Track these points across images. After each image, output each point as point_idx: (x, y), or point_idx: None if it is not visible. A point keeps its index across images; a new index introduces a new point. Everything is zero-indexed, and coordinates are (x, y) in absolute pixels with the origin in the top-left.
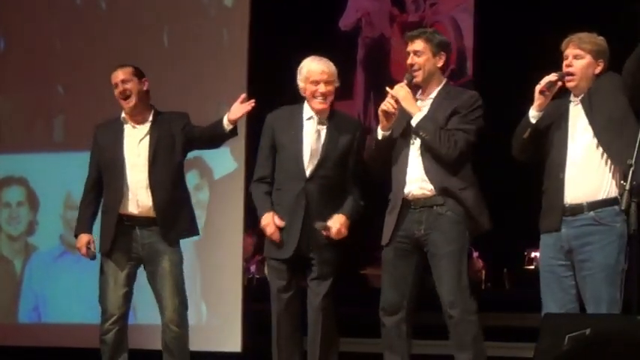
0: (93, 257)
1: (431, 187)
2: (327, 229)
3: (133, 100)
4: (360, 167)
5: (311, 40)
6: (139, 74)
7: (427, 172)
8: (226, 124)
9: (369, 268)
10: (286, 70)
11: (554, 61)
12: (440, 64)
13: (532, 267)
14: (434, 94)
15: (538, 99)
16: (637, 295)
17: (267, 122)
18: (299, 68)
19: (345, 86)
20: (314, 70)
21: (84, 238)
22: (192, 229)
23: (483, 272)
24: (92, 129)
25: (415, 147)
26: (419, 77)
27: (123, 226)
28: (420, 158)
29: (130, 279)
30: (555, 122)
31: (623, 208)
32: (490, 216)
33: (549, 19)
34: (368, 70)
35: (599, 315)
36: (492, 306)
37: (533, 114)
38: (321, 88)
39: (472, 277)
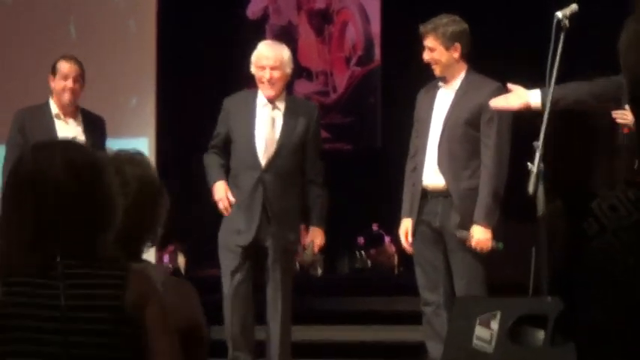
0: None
1: (444, 180)
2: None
3: (74, 99)
4: (319, 151)
5: (219, 28)
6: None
7: (440, 164)
8: None
9: None
10: (195, 59)
11: None
12: (455, 55)
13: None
14: (457, 85)
15: None
16: (547, 278)
17: (224, 107)
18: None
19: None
20: (259, 55)
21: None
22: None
23: (396, 257)
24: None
25: (434, 138)
26: (437, 71)
27: None
28: (436, 150)
29: None
30: None
31: (530, 192)
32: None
33: (455, 4)
34: None
35: (510, 298)
36: (406, 290)
37: None
38: (267, 74)
39: (385, 262)
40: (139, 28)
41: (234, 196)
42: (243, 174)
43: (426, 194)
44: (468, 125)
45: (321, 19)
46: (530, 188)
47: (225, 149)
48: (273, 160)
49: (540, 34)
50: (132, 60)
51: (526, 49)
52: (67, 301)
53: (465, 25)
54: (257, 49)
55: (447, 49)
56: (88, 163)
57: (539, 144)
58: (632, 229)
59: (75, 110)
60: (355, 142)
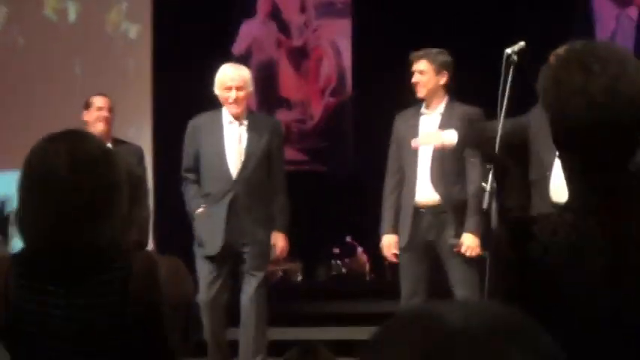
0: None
1: (437, 195)
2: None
3: (108, 127)
4: (283, 162)
5: (208, 64)
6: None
7: (433, 181)
8: None
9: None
10: (187, 92)
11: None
12: (442, 81)
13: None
14: (440, 109)
15: None
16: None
17: (189, 128)
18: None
19: None
20: (224, 77)
21: None
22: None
23: (367, 265)
24: (15, 150)
25: (424, 157)
26: (421, 93)
27: None
28: (428, 168)
29: None
30: None
31: (484, 207)
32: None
33: (417, 41)
34: (259, 90)
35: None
36: (376, 293)
37: None
38: (233, 94)
39: (358, 269)
40: (137, 67)
41: (205, 205)
42: (215, 186)
43: (418, 211)
44: (459, 146)
45: (299, 56)
46: (485, 204)
47: (197, 168)
48: (242, 172)
49: (494, 69)
50: (130, 94)
51: (480, 84)
52: (70, 312)
53: (451, 59)
54: (221, 71)
55: (436, 74)
56: (92, 155)
57: (491, 166)
58: (571, 248)
59: (107, 139)
60: (329, 164)
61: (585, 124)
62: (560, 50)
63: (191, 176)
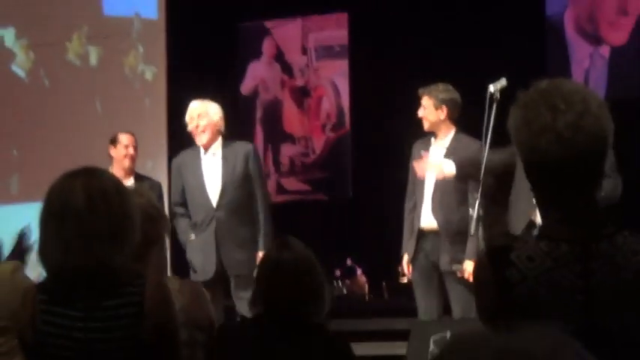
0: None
1: (439, 221)
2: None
3: (133, 164)
4: (263, 183)
5: (219, 103)
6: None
7: (433, 209)
8: None
9: None
10: None
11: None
12: (442, 116)
13: (405, 280)
14: (447, 143)
15: None
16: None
17: (173, 166)
18: None
19: (247, 140)
20: (188, 111)
21: None
22: None
23: (366, 286)
24: (42, 183)
25: (429, 188)
26: (425, 126)
27: None
28: (431, 195)
29: None
30: None
31: (472, 233)
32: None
33: (410, 81)
34: (265, 126)
35: (459, 319)
36: (375, 313)
37: None
38: (194, 122)
39: (357, 290)
40: (153, 105)
41: (194, 234)
42: (199, 215)
43: (424, 233)
44: (457, 179)
45: (301, 94)
46: (472, 230)
47: (184, 201)
48: (221, 199)
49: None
50: (147, 131)
51: (467, 118)
52: (88, 334)
53: (455, 95)
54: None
55: (436, 109)
56: (105, 190)
57: (477, 195)
58: (546, 273)
59: (130, 174)
60: (330, 194)
61: (555, 159)
62: (528, 90)
63: (180, 210)
